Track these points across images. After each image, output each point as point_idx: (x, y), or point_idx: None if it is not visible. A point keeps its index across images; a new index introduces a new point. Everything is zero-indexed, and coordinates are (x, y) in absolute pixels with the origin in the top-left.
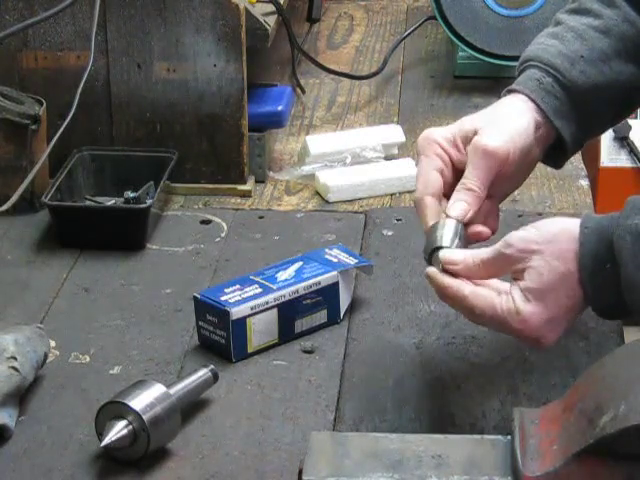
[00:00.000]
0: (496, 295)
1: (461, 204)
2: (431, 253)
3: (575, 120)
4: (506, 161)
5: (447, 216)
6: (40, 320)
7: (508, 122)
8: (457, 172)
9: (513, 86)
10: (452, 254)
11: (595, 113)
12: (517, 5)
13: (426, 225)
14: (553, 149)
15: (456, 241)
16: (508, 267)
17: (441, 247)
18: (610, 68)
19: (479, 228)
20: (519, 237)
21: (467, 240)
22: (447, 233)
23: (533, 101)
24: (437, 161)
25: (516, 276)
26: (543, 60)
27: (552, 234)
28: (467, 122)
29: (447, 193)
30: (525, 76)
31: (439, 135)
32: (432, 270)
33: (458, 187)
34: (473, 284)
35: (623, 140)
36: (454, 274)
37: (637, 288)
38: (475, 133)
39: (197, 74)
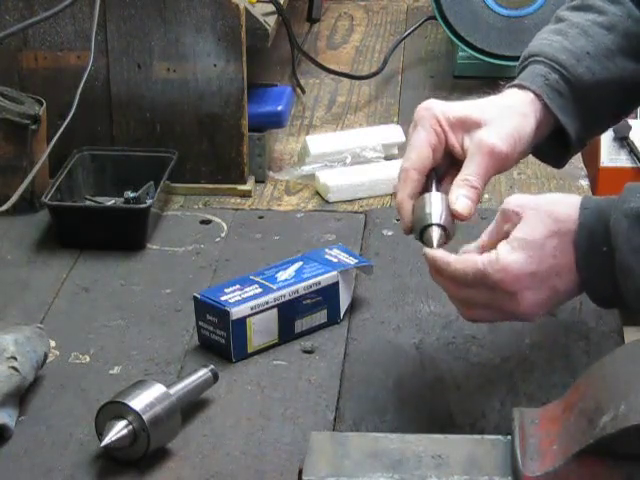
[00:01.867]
0: (477, 255)
1: (466, 201)
2: (422, 231)
3: (579, 117)
4: (505, 163)
5: (452, 207)
6: (40, 320)
7: (515, 124)
8: (445, 153)
9: (518, 81)
10: (439, 252)
11: (598, 110)
12: (517, 5)
13: (402, 195)
14: (556, 147)
15: (444, 216)
16: (504, 224)
17: (431, 224)
18: (615, 65)
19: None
20: (519, 195)
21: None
22: (435, 209)
23: (539, 98)
24: (433, 136)
25: (507, 235)
26: (548, 56)
27: (551, 198)
28: (474, 111)
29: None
30: (530, 72)
31: (441, 112)
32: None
33: (460, 182)
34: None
35: (623, 140)
36: None
37: (631, 272)
38: (479, 125)
39: (197, 74)
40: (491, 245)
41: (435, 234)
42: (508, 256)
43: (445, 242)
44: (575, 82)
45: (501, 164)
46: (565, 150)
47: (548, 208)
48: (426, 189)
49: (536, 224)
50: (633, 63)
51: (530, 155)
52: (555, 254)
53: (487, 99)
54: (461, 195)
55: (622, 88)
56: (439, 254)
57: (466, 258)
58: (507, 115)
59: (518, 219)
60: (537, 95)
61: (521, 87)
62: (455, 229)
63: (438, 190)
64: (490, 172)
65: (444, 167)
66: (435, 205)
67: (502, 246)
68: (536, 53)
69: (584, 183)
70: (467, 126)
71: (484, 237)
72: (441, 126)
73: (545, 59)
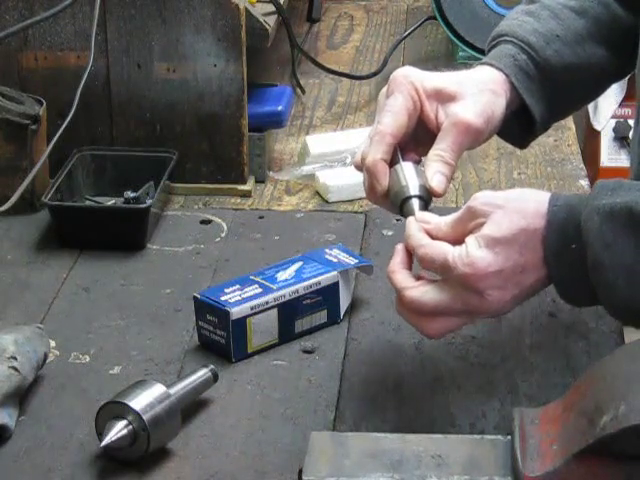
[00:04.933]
0: (450, 246)
1: (441, 178)
2: (402, 204)
3: (544, 100)
4: (478, 139)
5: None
6: (40, 320)
7: (488, 100)
8: (418, 122)
9: (487, 60)
10: (426, 215)
11: (564, 94)
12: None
13: (375, 157)
14: (520, 128)
15: (421, 187)
16: (472, 221)
17: (411, 196)
18: (584, 50)
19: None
20: (487, 193)
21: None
22: (412, 181)
23: (507, 77)
24: (410, 103)
25: (475, 230)
26: (518, 36)
27: (520, 195)
28: (450, 83)
29: (403, 139)
30: (499, 51)
31: (418, 80)
32: (411, 218)
33: (434, 157)
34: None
35: (623, 140)
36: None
37: (603, 269)
38: (454, 99)
39: (197, 74)
40: (455, 241)
41: (416, 206)
42: (475, 252)
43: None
44: (543, 64)
45: (474, 140)
46: (529, 131)
47: (516, 205)
48: (391, 158)
49: (504, 221)
50: (602, 49)
51: (530, 156)
52: (522, 251)
53: (462, 72)
54: (437, 172)
55: (590, 74)
56: (416, 234)
57: (439, 245)
58: (481, 90)
59: (486, 217)
60: (506, 75)
61: (491, 65)
62: (431, 198)
63: (403, 159)
64: (463, 148)
65: (410, 136)
66: (410, 176)
67: (471, 241)
68: (506, 33)
69: (584, 183)
70: (442, 98)
71: (444, 228)
72: (418, 94)
73: (515, 39)
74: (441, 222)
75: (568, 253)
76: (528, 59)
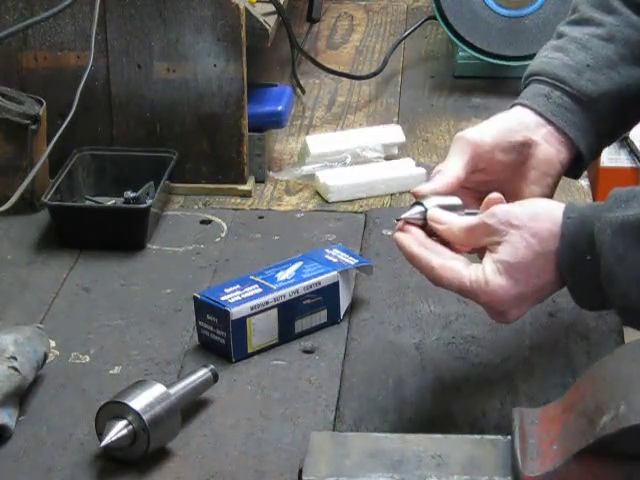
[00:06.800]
0: (464, 267)
1: (425, 185)
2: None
3: (590, 129)
4: (481, 145)
5: None
6: (40, 320)
7: (489, 120)
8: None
9: (520, 100)
10: (440, 214)
11: (609, 120)
12: (517, 5)
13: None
14: (570, 160)
15: (434, 203)
16: (487, 237)
17: (421, 203)
18: (619, 74)
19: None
20: (503, 209)
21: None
22: (430, 198)
23: (542, 115)
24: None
25: (492, 249)
26: (549, 74)
27: (535, 213)
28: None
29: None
30: (531, 91)
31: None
32: (404, 237)
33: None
34: (443, 256)
35: (623, 140)
36: (434, 234)
37: (616, 281)
38: None
39: (197, 74)
40: (464, 246)
41: (415, 209)
42: (495, 280)
43: (421, 224)
44: (580, 95)
45: (473, 145)
46: (579, 161)
47: (532, 226)
48: None
49: (520, 246)
50: (638, 70)
51: None
52: (539, 274)
53: (499, 121)
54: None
55: (631, 96)
56: (423, 255)
57: (452, 268)
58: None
59: (501, 237)
60: (539, 113)
61: (524, 106)
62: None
63: None
64: (463, 156)
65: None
66: (432, 197)
67: (488, 266)
68: (537, 72)
69: (584, 183)
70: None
71: (457, 232)
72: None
73: (546, 78)
74: (453, 226)
75: (582, 264)
76: (562, 94)
